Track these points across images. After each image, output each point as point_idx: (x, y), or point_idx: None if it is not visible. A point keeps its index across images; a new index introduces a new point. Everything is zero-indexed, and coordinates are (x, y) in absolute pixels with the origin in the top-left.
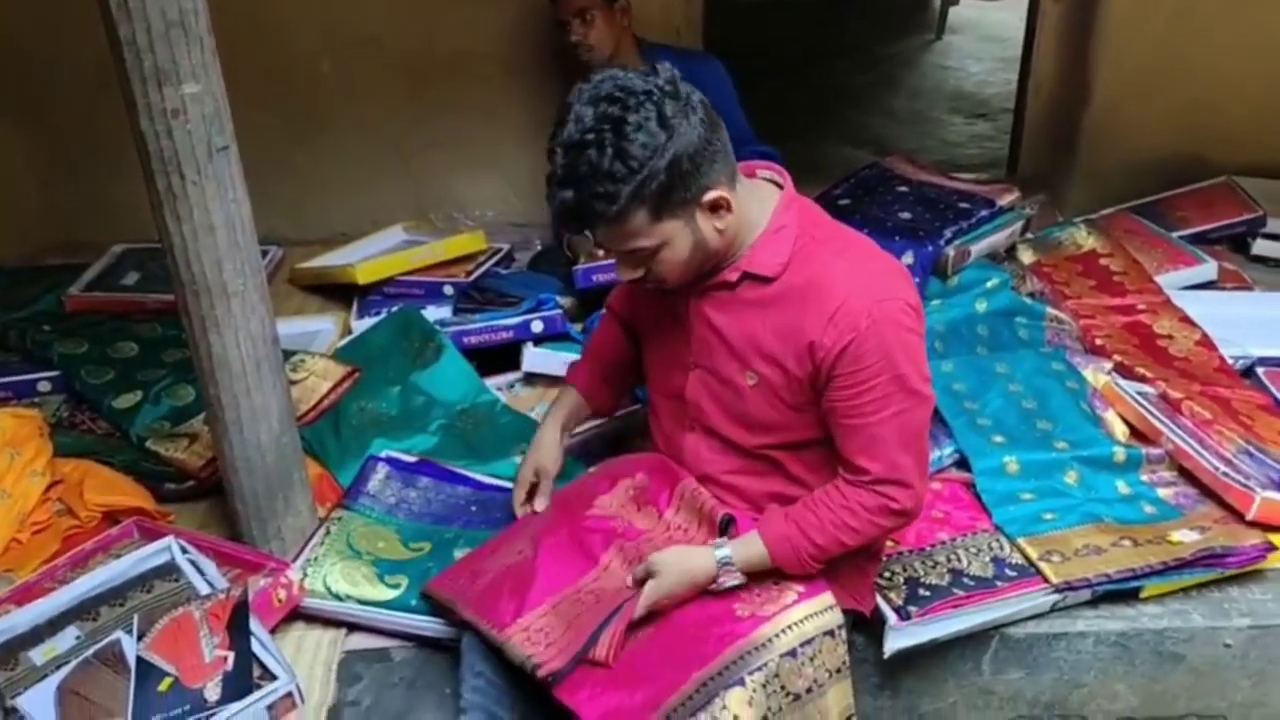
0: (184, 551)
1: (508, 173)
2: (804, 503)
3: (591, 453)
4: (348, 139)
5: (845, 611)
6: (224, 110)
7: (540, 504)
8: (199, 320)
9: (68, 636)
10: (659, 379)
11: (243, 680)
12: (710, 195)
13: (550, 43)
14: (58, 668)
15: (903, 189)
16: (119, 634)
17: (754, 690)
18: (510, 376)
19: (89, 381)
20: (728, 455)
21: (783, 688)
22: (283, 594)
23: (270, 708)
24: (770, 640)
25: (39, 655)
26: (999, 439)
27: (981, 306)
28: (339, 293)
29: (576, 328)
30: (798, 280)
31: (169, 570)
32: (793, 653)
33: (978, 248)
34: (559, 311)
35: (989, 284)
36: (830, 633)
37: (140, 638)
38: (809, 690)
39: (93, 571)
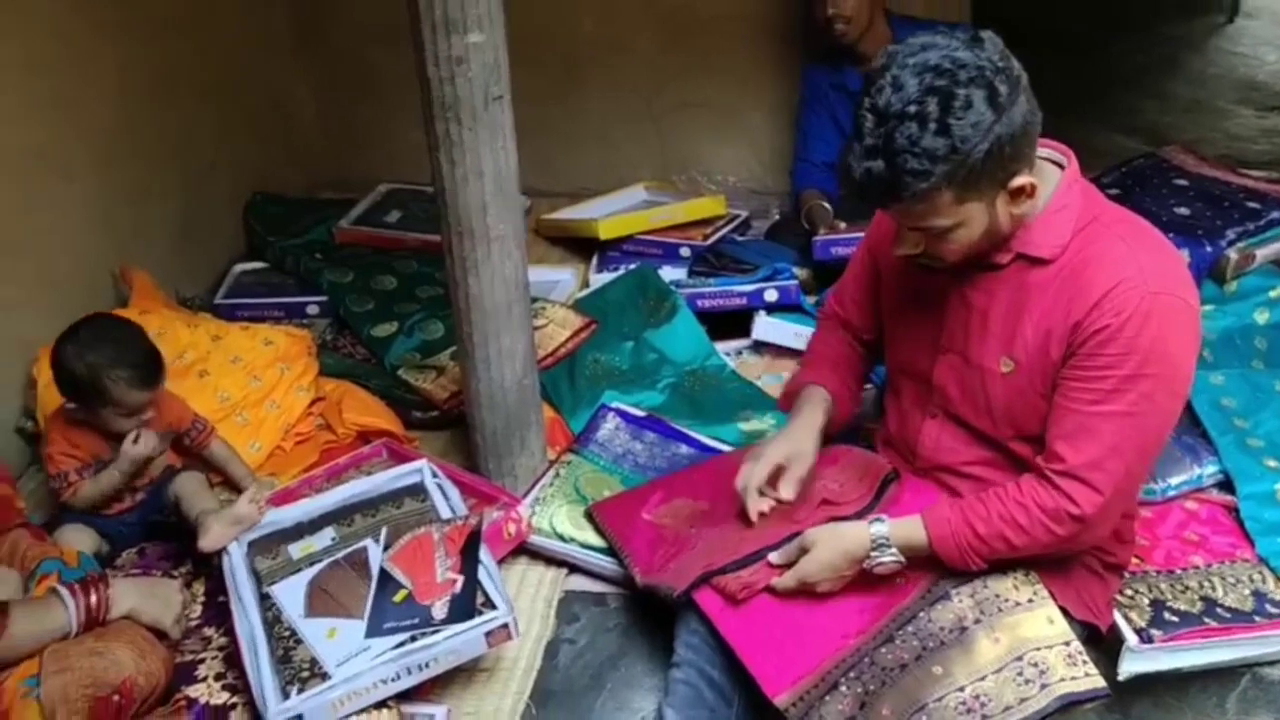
0: (434, 475)
1: (753, 139)
2: (979, 494)
3: None
4: (600, 96)
5: (1078, 623)
6: (503, 61)
7: (788, 492)
8: (460, 261)
9: (325, 536)
10: (902, 359)
11: (468, 604)
12: (1018, 181)
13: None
14: (311, 564)
15: (1181, 182)
16: (368, 542)
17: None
18: (739, 343)
19: (352, 309)
20: (971, 445)
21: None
22: (512, 528)
23: (488, 635)
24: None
25: (297, 550)
26: (1272, 463)
27: (1262, 317)
28: (579, 245)
29: (810, 300)
30: (1074, 263)
31: (418, 490)
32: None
33: (1264, 253)
34: (795, 282)
35: (1272, 293)
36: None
37: (386, 549)
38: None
39: (352, 482)
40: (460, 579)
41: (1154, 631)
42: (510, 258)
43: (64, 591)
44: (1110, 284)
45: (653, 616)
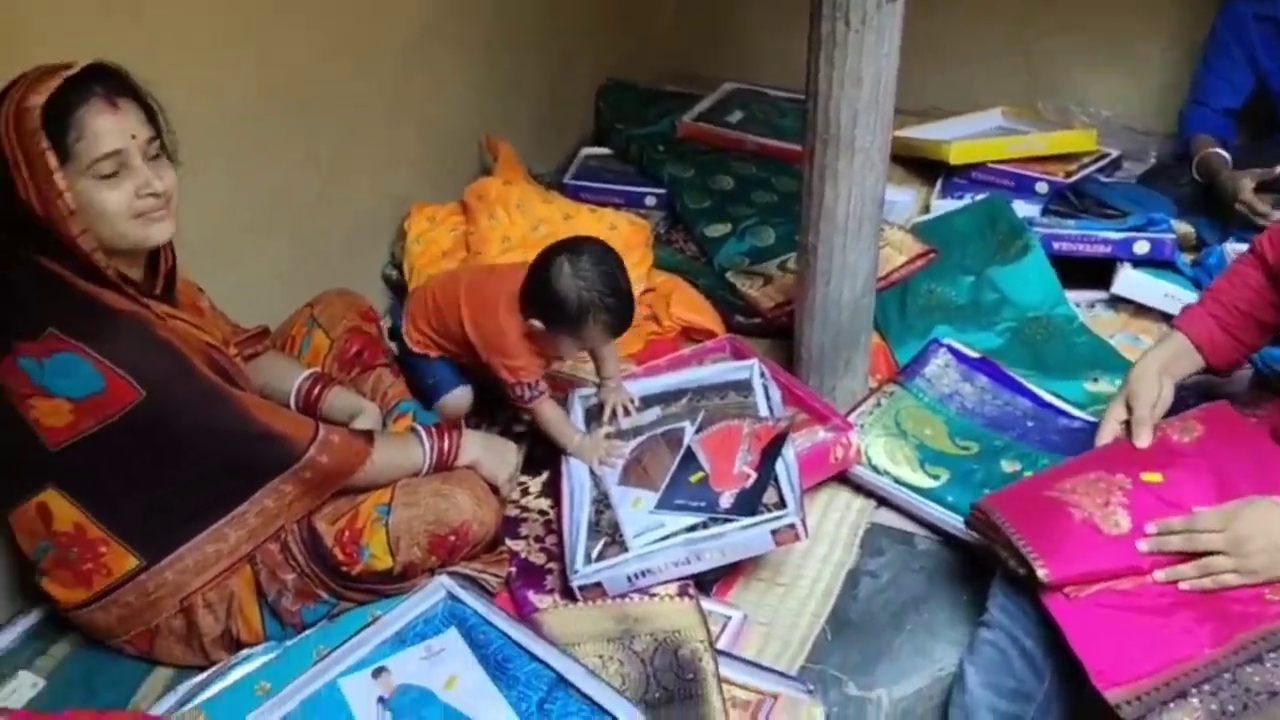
0: (761, 376)
1: (1139, 71)
2: None
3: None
4: (968, 10)
5: None
6: None
7: (1143, 438)
8: (819, 169)
9: (652, 413)
10: None
11: (753, 500)
12: None
13: None
14: (635, 435)
15: None
16: (685, 423)
17: None
18: (1093, 294)
19: (688, 205)
20: None
21: None
22: (840, 453)
23: (774, 533)
24: None
25: (627, 422)
26: None
27: None
28: (923, 167)
29: (1186, 258)
30: None
31: (744, 386)
32: None
33: None
34: (1171, 236)
35: None
36: None
37: (698, 431)
38: None
39: (685, 369)
40: (754, 475)
41: None
42: (872, 171)
43: (422, 433)
44: None
45: (956, 566)
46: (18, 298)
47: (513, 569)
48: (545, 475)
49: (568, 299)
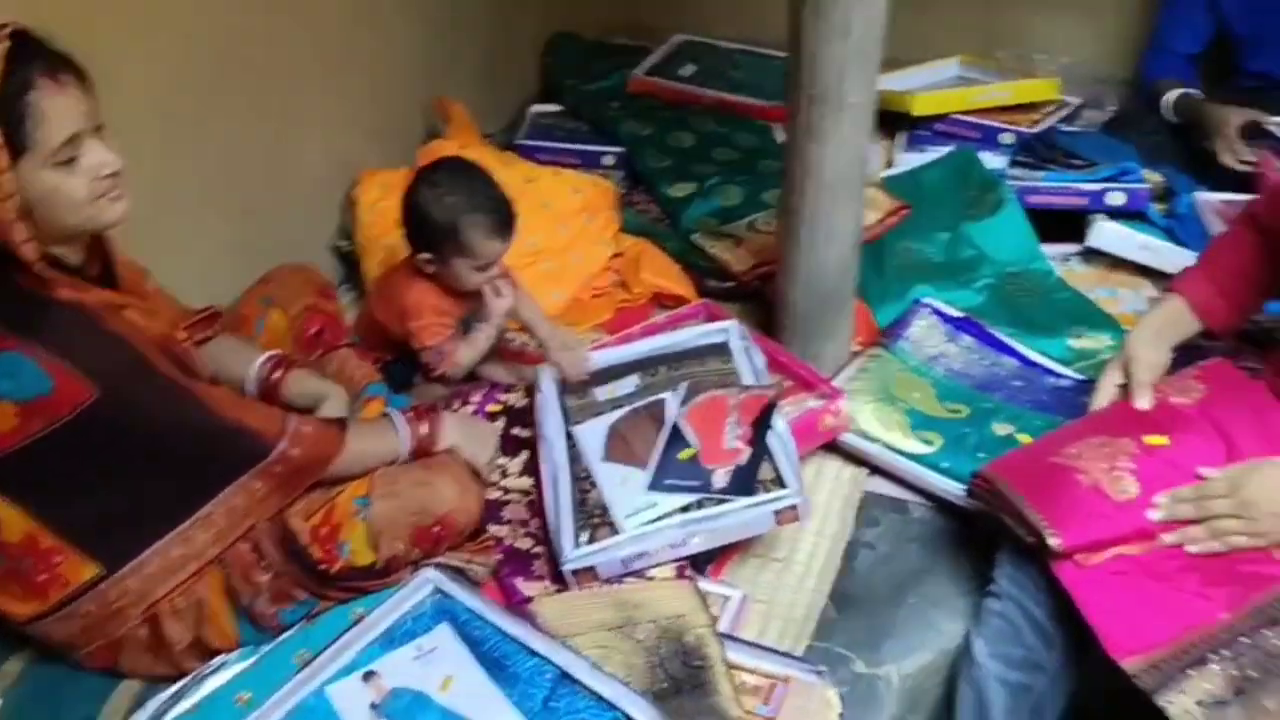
0: (741, 338)
1: (1094, 14)
2: None
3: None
4: None
5: None
6: None
7: (1143, 400)
8: (804, 128)
9: (629, 383)
10: None
11: (749, 478)
12: None
13: None
14: (614, 408)
15: None
16: (667, 394)
17: None
18: (1067, 248)
19: (649, 164)
20: None
21: None
22: (830, 421)
23: (777, 513)
24: None
25: (603, 393)
26: None
27: None
28: (884, 120)
29: (1158, 208)
30: None
31: (723, 351)
32: None
33: None
34: (1146, 186)
35: None
36: None
37: (683, 404)
38: None
39: (660, 334)
40: (747, 451)
41: None
42: (860, 128)
43: (399, 418)
44: None
45: (953, 534)
46: None
47: (499, 556)
48: (524, 455)
49: (433, 213)
